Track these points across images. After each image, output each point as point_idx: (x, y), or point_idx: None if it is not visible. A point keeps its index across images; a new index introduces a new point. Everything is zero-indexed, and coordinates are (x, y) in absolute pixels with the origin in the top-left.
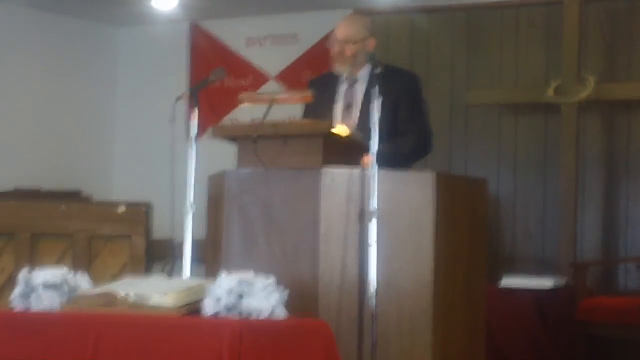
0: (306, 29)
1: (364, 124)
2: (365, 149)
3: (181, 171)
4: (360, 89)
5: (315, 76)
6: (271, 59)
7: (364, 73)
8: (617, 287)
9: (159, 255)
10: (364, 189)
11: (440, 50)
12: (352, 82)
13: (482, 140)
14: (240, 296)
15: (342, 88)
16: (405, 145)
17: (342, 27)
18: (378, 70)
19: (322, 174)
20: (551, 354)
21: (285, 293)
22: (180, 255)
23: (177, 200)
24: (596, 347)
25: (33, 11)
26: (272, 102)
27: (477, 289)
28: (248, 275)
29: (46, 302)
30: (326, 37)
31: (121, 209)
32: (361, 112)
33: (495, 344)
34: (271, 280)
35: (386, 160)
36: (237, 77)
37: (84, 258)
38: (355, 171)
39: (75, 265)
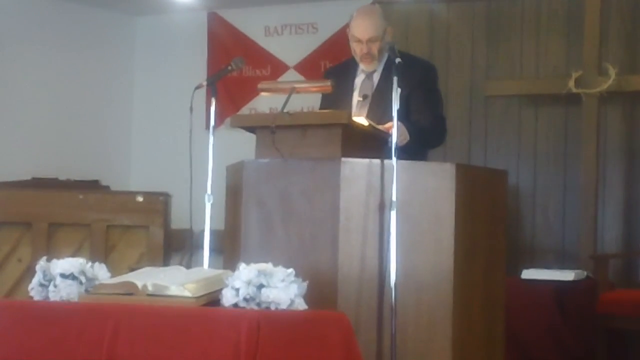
0: (325, 19)
1: (374, 114)
2: (384, 140)
3: (199, 161)
4: (377, 79)
5: (332, 65)
6: (290, 49)
7: (381, 63)
8: (637, 280)
9: (177, 245)
10: (384, 179)
11: (460, 41)
12: (370, 73)
13: (502, 131)
14: (260, 287)
15: (360, 78)
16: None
17: (362, 27)
18: (398, 60)
19: (342, 165)
20: (571, 347)
21: (305, 284)
22: (198, 246)
23: (195, 190)
24: (617, 340)
25: (51, 0)
26: (291, 91)
27: (497, 281)
28: (267, 266)
29: (64, 292)
30: (345, 27)
31: (139, 198)
32: (372, 102)
33: (514, 337)
34: (290, 271)
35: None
36: (256, 66)
37: (101, 248)
38: (375, 162)
39: (93, 255)
